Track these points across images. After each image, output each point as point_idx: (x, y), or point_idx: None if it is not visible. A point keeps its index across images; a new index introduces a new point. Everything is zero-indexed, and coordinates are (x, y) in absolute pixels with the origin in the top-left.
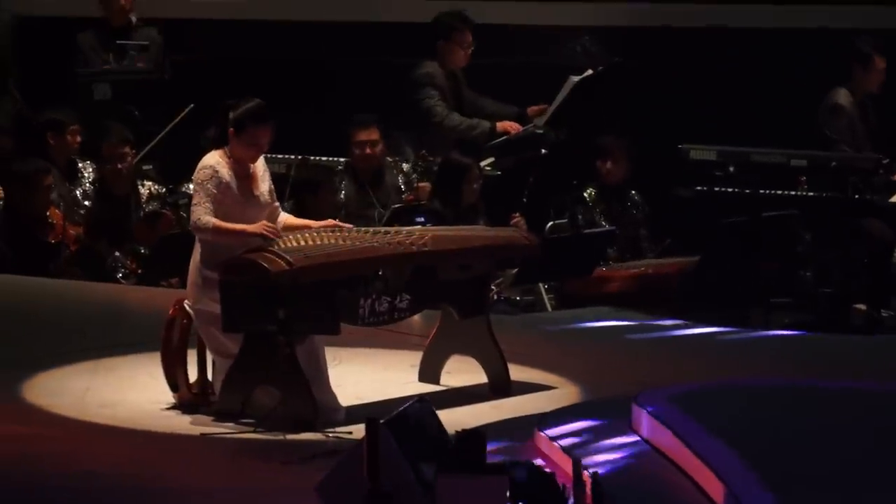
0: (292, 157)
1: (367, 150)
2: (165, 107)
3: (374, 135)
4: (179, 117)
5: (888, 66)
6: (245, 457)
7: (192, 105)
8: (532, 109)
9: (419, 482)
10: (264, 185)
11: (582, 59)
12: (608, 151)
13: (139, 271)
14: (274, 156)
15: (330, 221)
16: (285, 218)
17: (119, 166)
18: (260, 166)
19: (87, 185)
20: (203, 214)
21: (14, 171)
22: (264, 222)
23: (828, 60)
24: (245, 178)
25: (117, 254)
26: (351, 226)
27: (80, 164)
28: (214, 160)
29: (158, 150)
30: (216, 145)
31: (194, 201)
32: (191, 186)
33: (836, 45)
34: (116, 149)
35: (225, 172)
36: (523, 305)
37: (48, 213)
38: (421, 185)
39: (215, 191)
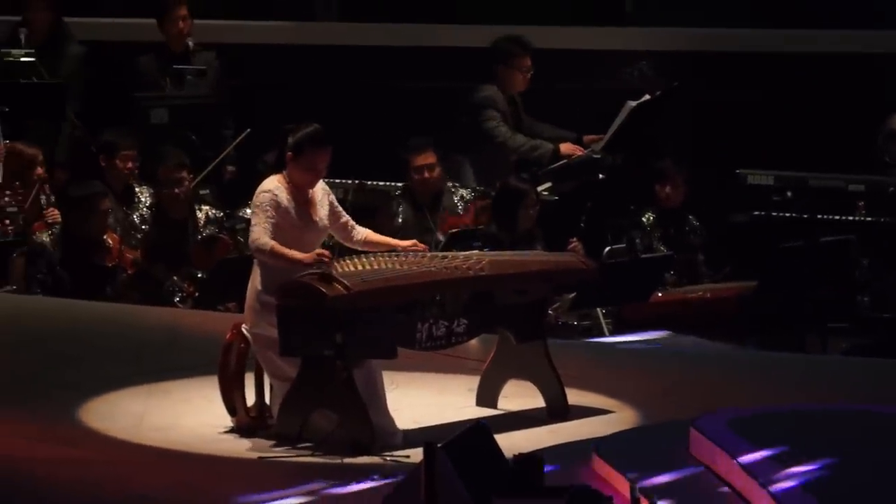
0: (349, 181)
1: (426, 174)
2: (222, 132)
3: (430, 158)
4: (235, 142)
5: None
6: (303, 480)
7: (248, 130)
8: (588, 138)
9: None
10: (323, 210)
11: (639, 83)
12: (666, 176)
13: (196, 295)
14: (331, 180)
15: (413, 242)
16: (366, 234)
17: (176, 191)
18: (319, 191)
19: (144, 209)
20: (262, 235)
21: (70, 195)
22: (317, 251)
23: (887, 85)
24: (304, 203)
25: (175, 278)
26: (426, 248)
27: (136, 189)
28: (273, 185)
29: (215, 175)
30: (275, 170)
31: (253, 222)
32: (248, 211)
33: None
34: (173, 173)
35: (284, 197)
36: (581, 330)
37: (105, 237)
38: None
39: (274, 214)
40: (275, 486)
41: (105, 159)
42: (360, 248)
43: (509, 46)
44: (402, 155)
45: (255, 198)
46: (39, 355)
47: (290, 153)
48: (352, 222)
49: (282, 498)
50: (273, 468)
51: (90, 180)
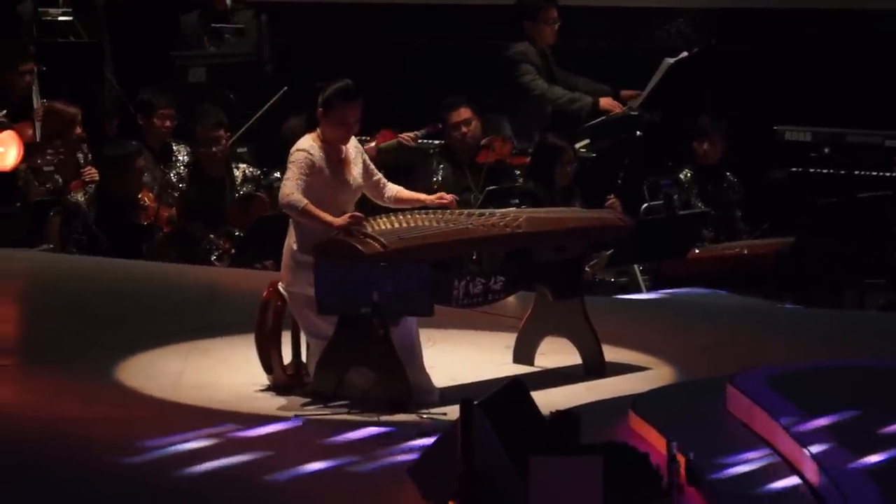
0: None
1: (463, 130)
2: (262, 90)
3: (466, 114)
4: (272, 101)
5: None
6: (339, 438)
7: (284, 88)
8: (626, 93)
9: (513, 463)
10: (357, 169)
11: (676, 41)
12: (704, 132)
13: (233, 253)
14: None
15: (440, 195)
16: (396, 190)
17: (213, 149)
18: (352, 149)
19: (181, 167)
20: (295, 191)
21: (105, 154)
22: (348, 215)
23: None
24: (338, 161)
25: (212, 236)
26: (455, 198)
27: (174, 147)
28: (308, 143)
29: (253, 133)
30: (309, 128)
31: (286, 176)
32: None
33: None
34: (211, 132)
35: (318, 156)
36: (618, 287)
37: (140, 196)
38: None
39: (308, 173)
40: (310, 443)
41: (143, 118)
42: (391, 206)
43: (533, 1)
44: (438, 115)
45: (290, 156)
46: (77, 315)
47: (320, 109)
48: (384, 180)
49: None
50: (309, 426)
51: (125, 139)
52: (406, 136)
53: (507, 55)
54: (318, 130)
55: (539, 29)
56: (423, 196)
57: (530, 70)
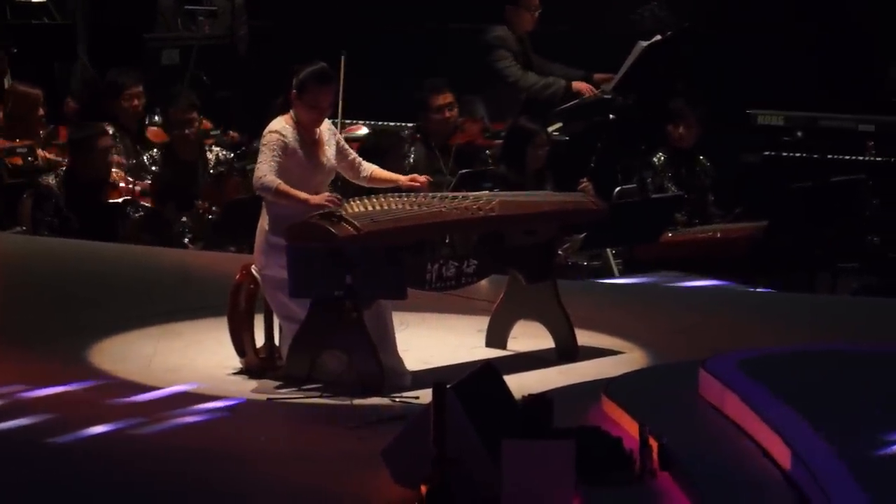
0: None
1: (446, 114)
2: (235, 72)
3: (449, 98)
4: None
5: None
6: (311, 422)
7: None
8: (599, 76)
9: (486, 447)
10: (330, 150)
11: (650, 24)
12: (680, 116)
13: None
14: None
15: (415, 176)
16: (372, 169)
17: (186, 132)
18: (326, 131)
19: (154, 150)
20: (268, 173)
21: (70, 137)
22: (326, 194)
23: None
24: (311, 143)
25: (184, 219)
26: (429, 179)
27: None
28: (280, 125)
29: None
30: (282, 110)
31: (259, 160)
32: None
33: None
34: (184, 114)
35: (291, 138)
36: (590, 270)
37: (111, 176)
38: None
39: (281, 154)
40: (283, 427)
41: (111, 99)
42: (366, 185)
43: None
44: (417, 96)
45: (262, 138)
46: (50, 297)
47: (294, 92)
48: (359, 159)
49: None
50: (281, 409)
51: (89, 121)
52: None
53: (484, 39)
54: (292, 112)
55: (520, 14)
56: (397, 176)
57: (506, 56)
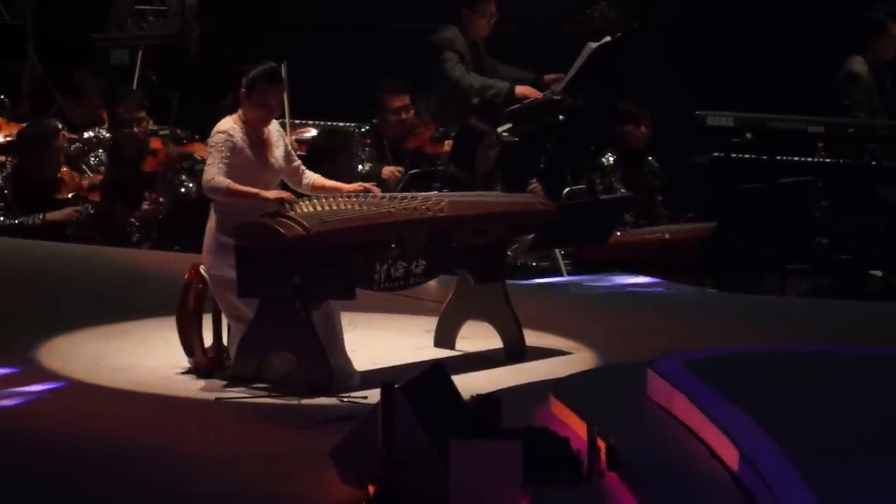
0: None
1: (403, 116)
2: (186, 73)
3: (405, 100)
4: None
5: None
6: (259, 421)
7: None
8: (549, 77)
9: (434, 447)
10: (279, 151)
11: (600, 25)
12: (636, 116)
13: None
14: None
15: (360, 185)
16: (314, 178)
17: (136, 130)
18: (274, 131)
19: (100, 151)
20: (217, 174)
21: (24, 134)
22: (280, 191)
23: (846, 27)
24: (259, 143)
25: (132, 219)
26: (379, 191)
27: (97, 130)
28: (228, 125)
29: (173, 115)
30: (231, 110)
31: (208, 162)
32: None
33: (855, 11)
34: (132, 113)
35: (239, 137)
36: (539, 271)
37: (60, 174)
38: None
39: (229, 154)
40: (231, 427)
41: (70, 101)
42: (307, 192)
43: None
44: (373, 96)
45: (210, 138)
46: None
47: (243, 91)
48: (303, 167)
49: None
50: (229, 409)
51: (43, 120)
52: None
53: (432, 41)
54: (240, 112)
55: (475, 20)
56: (341, 185)
57: (453, 57)
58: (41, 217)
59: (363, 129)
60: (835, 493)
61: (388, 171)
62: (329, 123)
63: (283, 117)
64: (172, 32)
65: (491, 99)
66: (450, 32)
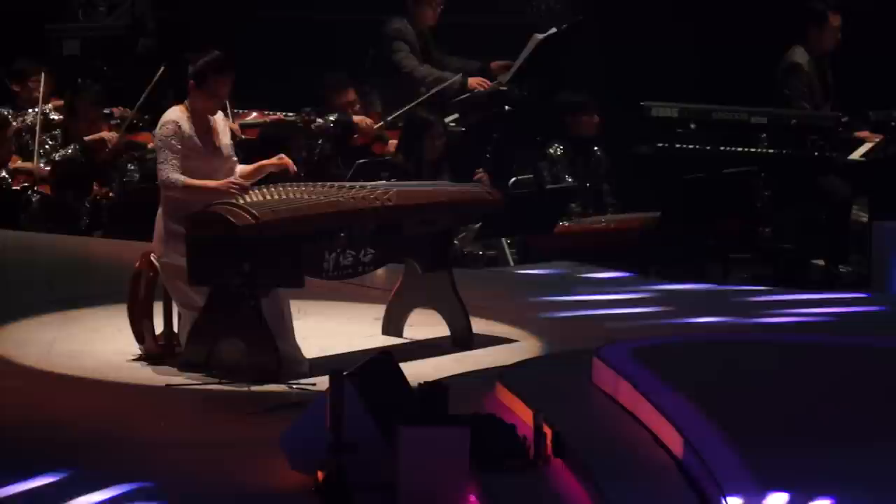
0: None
1: (349, 112)
2: (138, 64)
3: (351, 96)
4: (153, 83)
5: (845, 23)
6: (209, 408)
7: (162, 68)
8: (495, 64)
9: (382, 434)
10: (225, 138)
11: (546, 17)
12: (585, 105)
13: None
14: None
15: (280, 157)
16: (240, 169)
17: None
18: (220, 119)
19: (49, 138)
20: (171, 172)
21: None
22: (230, 179)
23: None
24: (207, 130)
25: (86, 205)
26: (292, 165)
27: (52, 116)
28: (175, 115)
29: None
30: (177, 100)
31: (160, 159)
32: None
33: (797, 1)
34: (92, 111)
35: (187, 126)
36: (486, 260)
37: (11, 163)
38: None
39: (179, 146)
40: (181, 413)
41: (17, 83)
42: None
43: None
44: (319, 91)
45: (158, 130)
46: None
47: (192, 81)
48: (237, 163)
49: None
50: (180, 396)
51: None
52: None
53: (383, 30)
54: (187, 101)
55: (422, 9)
56: (262, 162)
57: (403, 48)
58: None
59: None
60: (777, 478)
61: (361, 121)
62: (270, 113)
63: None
64: (124, 23)
65: (443, 91)
66: (399, 23)
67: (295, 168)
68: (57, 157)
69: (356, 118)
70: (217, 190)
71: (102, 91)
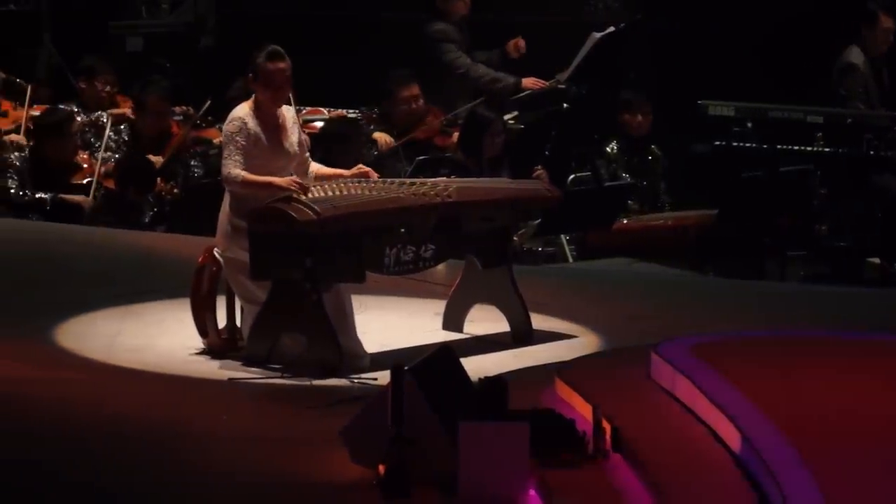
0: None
1: (412, 106)
2: (199, 61)
3: (415, 90)
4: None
5: None
6: (271, 402)
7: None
8: (511, 44)
9: (442, 428)
10: (293, 136)
11: (604, 16)
12: (635, 105)
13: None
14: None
15: (358, 169)
16: (317, 168)
17: (181, 133)
18: (289, 117)
19: (112, 134)
20: (233, 168)
21: (44, 122)
22: (293, 178)
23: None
24: (274, 128)
25: (151, 200)
26: (377, 176)
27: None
28: (243, 112)
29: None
30: (245, 97)
31: (224, 154)
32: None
33: (854, 2)
34: (160, 105)
35: (253, 123)
36: (545, 256)
37: (76, 158)
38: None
39: (244, 143)
40: (243, 407)
41: (84, 81)
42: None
43: None
44: (384, 86)
45: (225, 126)
46: (15, 278)
47: (250, 75)
48: (310, 159)
49: None
50: (242, 389)
51: (59, 106)
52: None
53: (426, 34)
54: (253, 98)
55: (451, 2)
56: (341, 171)
57: (452, 48)
58: (56, 197)
59: (373, 116)
60: (836, 476)
61: (380, 137)
62: (332, 110)
63: (292, 103)
64: (187, 21)
65: (498, 92)
66: (440, 24)
67: (378, 176)
68: (119, 154)
69: (376, 134)
70: (278, 186)
71: (170, 87)
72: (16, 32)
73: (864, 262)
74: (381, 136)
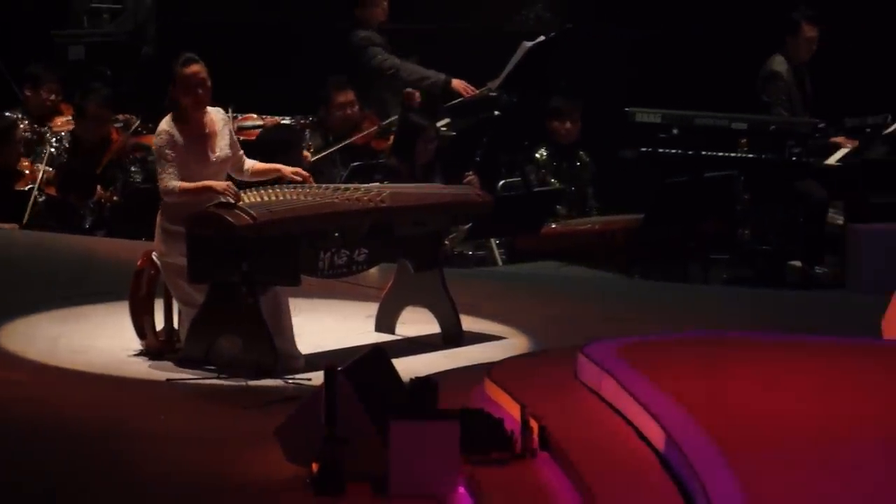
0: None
1: (348, 111)
2: (140, 70)
3: (351, 96)
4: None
5: (823, 33)
6: (208, 402)
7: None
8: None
9: (374, 427)
10: (223, 141)
11: (535, 25)
12: (564, 112)
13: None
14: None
15: (299, 170)
16: (252, 164)
17: (121, 139)
18: (218, 121)
19: (54, 140)
20: (168, 181)
21: None
22: (229, 183)
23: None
24: (201, 136)
25: (91, 205)
26: (312, 181)
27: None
28: (167, 124)
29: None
30: (170, 109)
31: (158, 170)
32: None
33: (779, 11)
34: (101, 113)
35: (178, 133)
36: (476, 260)
37: (19, 166)
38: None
39: (174, 154)
40: (181, 406)
41: (30, 89)
42: (249, 179)
43: None
44: (320, 92)
45: (154, 141)
46: None
47: (171, 86)
48: (244, 156)
49: None
50: (179, 390)
51: (6, 114)
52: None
53: (353, 42)
54: (178, 108)
55: (369, 11)
56: (279, 166)
57: (379, 51)
58: None
59: (305, 122)
60: (758, 475)
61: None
62: (266, 116)
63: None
64: (128, 30)
65: (427, 89)
66: (363, 32)
67: (311, 181)
68: (59, 161)
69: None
70: (215, 190)
71: (110, 94)
72: None
73: (786, 266)
74: (459, 83)
